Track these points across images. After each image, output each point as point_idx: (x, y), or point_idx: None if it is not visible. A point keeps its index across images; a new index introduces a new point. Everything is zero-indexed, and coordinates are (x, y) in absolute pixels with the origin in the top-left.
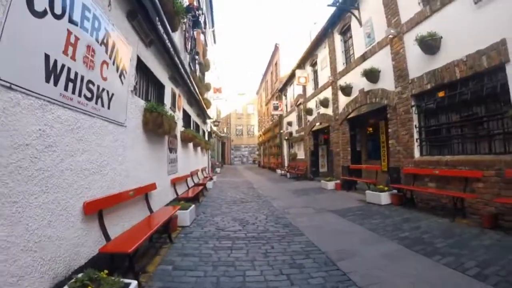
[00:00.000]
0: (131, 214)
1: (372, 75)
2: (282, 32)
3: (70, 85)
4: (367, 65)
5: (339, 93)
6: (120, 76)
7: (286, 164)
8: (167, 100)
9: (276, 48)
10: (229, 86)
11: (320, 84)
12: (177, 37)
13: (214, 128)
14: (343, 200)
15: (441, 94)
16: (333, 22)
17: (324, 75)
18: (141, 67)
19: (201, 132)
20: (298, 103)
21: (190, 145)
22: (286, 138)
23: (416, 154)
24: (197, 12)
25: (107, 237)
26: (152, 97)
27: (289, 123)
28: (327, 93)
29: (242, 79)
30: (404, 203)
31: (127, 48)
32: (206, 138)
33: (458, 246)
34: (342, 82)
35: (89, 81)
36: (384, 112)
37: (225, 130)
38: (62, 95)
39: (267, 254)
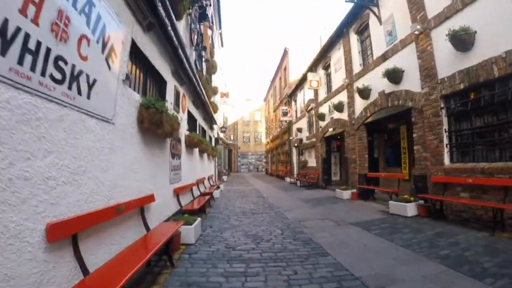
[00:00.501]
0: (122, 234)
1: (394, 75)
2: (291, 36)
3: (28, 58)
4: (388, 65)
5: (356, 96)
6: (107, 59)
7: (295, 172)
8: (170, 98)
9: (285, 52)
10: (236, 92)
11: (334, 87)
12: (182, 29)
13: (221, 135)
14: (363, 211)
15: (473, 95)
16: (349, 21)
17: (338, 78)
18: (138, 55)
19: (207, 137)
20: (309, 108)
21: (196, 151)
22: (296, 145)
23: (446, 161)
24: (204, 2)
25: (84, 269)
26: (151, 93)
27: (299, 130)
28: (342, 97)
29: (250, 86)
30: (432, 215)
31: (118, 26)
32: (213, 144)
33: (507, 266)
34: (359, 84)
35: (59, 58)
36: (406, 116)
37: (232, 137)
38: (14, 70)
39: (290, 282)
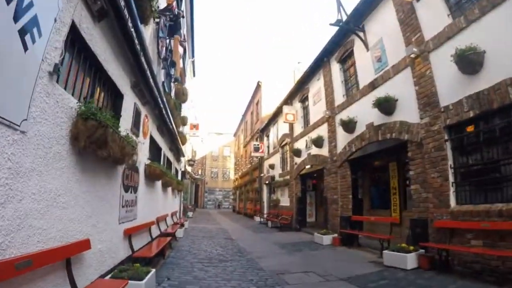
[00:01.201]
0: None
1: (387, 104)
2: (264, 71)
3: None
4: (378, 93)
5: (338, 130)
6: (23, 33)
7: (265, 211)
8: (127, 117)
9: (258, 86)
10: (206, 126)
11: (312, 120)
12: (148, 38)
13: (189, 169)
14: (351, 261)
15: (482, 124)
16: (330, 49)
17: (318, 111)
18: (82, 49)
19: (173, 170)
20: (283, 143)
21: (158, 184)
22: (267, 182)
23: (452, 202)
24: (176, 10)
25: None
26: (102, 106)
27: (271, 166)
28: (322, 131)
29: (220, 119)
30: (436, 267)
31: None
32: (179, 178)
33: None
34: (342, 116)
35: None
36: (397, 151)
37: (199, 172)
38: None
39: None
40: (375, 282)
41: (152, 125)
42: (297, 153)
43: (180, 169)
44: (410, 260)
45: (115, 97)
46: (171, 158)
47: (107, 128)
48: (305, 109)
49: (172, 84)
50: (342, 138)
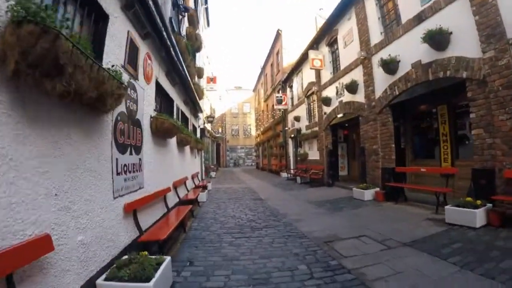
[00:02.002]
0: None
1: (440, 38)
2: (284, 18)
3: None
4: (426, 27)
5: (377, 72)
6: None
7: (292, 166)
8: (115, 48)
9: (278, 35)
10: (224, 83)
11: (344, 64)
12: None
13: (208, 126)
14: (404, 220)
15: None
16: None
17: (349, 53)
18: None
19: (190, 127)
20: (309, 93)
21: (172, 142)
22: (292, 136)
23: None
24: None
25: None
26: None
27: (296, 118)
28: (356, 75)
29: (238, 75)
30: (507, 223)
31: None
32: (198, 135)
33: None
34: (381, 56)
35: None
36: (449, 93)
37: (220, 130)
38: None
39: None
40: (447, 246)
41: (158, 69)
42: (327, 101)
43: (199, 126)
44: (480, 217)
45: (97, 19)
46: (187, 113)
47: (59, 38)
48: (334, 53)
49: (182, 26)
50: (382, 81)
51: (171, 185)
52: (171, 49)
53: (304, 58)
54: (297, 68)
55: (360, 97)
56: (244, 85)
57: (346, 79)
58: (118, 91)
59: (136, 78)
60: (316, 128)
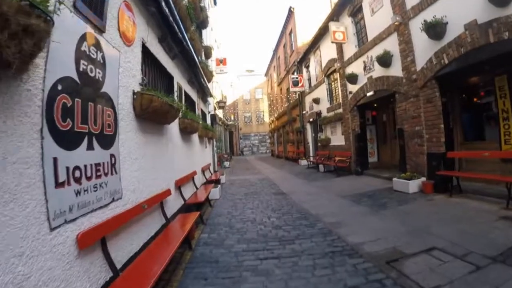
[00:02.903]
0: None
1: None
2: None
3: None
4: None
5: (417, 38)
6: None
7: (311, 153)
8: None
9: (291, 13)
10: (234, 68)
11: (372, 35)
12: None
13: (220, 113)
14: (473, 221)
15: None
16: None
17: (379, 21)
18: None
19: (198, 111)
20: (330, 71)
21: (172, 130)
22: (311, 120)
23: None
24: None
25: None
26: None
27: (315, 101)
28: (389, 45)
29: (249, 60)
30: None
31: None
32: (209, 122)
33: None
34: (423, 18)
35: None
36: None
37: (232, 118)
38: None
39: None
40: None
41: (146, 30)
42: (352, 79)
43: (209, 113)
44: None
45: None
46: (193, 95)
47: None
48: (358, 24)
49: None
50: (424, 49)
51: (173, 185)
52: (165, 8)
53: (322, 33)
54: (314, 45)
55: (395, 70)
56: (256, 69)
57: (376, 51)
58: (24, 19)
59: (101, 30)
60: (340, 110)
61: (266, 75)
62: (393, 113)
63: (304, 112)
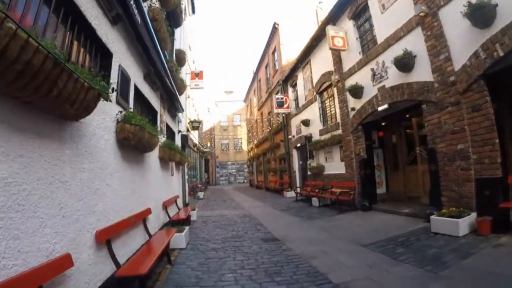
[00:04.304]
0: None
1: None
2: (279, 15)
3: None
4: None
5: (452, 29)
6: None
7: (298, 183)
8: None
9: (275, 29)
10: (211, 92)
11: (383, 36)
12: None
13: (194, 137)
14: None
15: None
16: None
17: (393, 17)
18: None
19: (159, 124)
20: (323, 87)
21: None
22: (299, 145)
23: None
24: None
25: None
26: None
27: (305, 123)
28: (409, 43)
29: (227, 83)
30: None
31: None
32: (178, 143)
33: None
34: (460, 3)
35: None
36: None
37: (208, 145)
38: None
39: None
40: None
41: None
42: (356, 92)
43: (179, 132)
44: None
45: None
46: (153, 100)
47: None
48: (362, 27)
49: None
50: (464, 42)
51: (93, 241)
52: None
53: (313, 44)
54: (303, 60)
55: (420, 74)
56: (235, 93)
57: (390, 54)
58: None
59: None
60: (339, 131)
61: (245, 100)
62: (406, 132)
63: (290, 136)
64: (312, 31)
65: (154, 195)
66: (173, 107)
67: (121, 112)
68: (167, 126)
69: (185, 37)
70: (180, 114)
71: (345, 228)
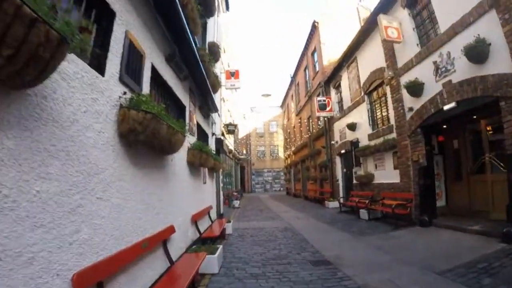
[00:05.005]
0: None
1: None
2: (316, 14)
3: None
4: None
5: None
6: None
7: (341, 193)
8: None
9: (315, 28)
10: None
11: (448, 23)
12: None
13: (230, 144)
14: None
15: None
16: None
17: (457, 1)
18: None
19: (188, 120)
20: (372, 86)
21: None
22: (343, 151)
23: None
24: None
25: None
26: None
27: (351, 126)
28: (481, 30)
29: (263, 87)
30: None
31: None
32: (212, 147)
33: None
34: None
35: None
36: None
37: (244, 152)
38: None
39: None
40: None
41: None
42: (416, 89)
43: (213, 134)
44: None
45: None
46: (181, 93)
47: None
48: (419, 15)
49: None
50: None
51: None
52: None
53: (360, 40)
54: (348, 58)
55: (496, 65)
56: (272, 97)
57: (458, 43)
58: None
59: None
60: (392, 135)
61: (282, 106)
62: (472, 136)
63: (332, 142)
64: (354, 28)
65: (180, 208)
66: (206, 106)
67: (125, 93)
68: (199, 126)
69: (219, 34)
70: (214, 116)
71: (408, 248)
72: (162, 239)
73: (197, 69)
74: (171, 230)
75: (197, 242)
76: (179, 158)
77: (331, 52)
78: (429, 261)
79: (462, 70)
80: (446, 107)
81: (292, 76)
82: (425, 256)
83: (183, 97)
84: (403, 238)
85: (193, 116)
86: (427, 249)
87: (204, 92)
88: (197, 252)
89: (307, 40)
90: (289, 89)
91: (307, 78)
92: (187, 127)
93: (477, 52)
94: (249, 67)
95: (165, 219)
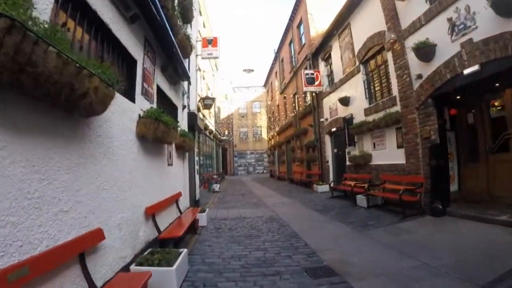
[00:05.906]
0: None
1: None
2: None
3: None
4: None
5: None
6: None
7: (332, 176)
8: None
9: None
10: (229, 78)
11: None
12: None
13: (211, 125)
14: None
15: None
16: None
17: None
18: None
19: (139, 83)
20: (369, 54)
21: None
22: (334, 129)
23: None
24: None
25: None
26: None
27: (343, 101)
28: None
29: (245, 62)
30: None
31: None
32: (184, 122)
33: None
34: None
35: None
36: None
37: (226, 133)
38: None
39: None
40: None
41: None
42: (426, 51)
43: (184, 107)
44: None
45: None
46: (128, 39)
47: None
48: None
49: None
50: None
51: None
52: None
53: (354, 3)
54: (340, 24)
55: None
56: (255, 73)
57: None
58: None
59: None
60: (395, 108)
61: (265, 85)
62: (490, 109)
63: (321, 120)
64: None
65: (123, 200)
66: (172, 68)
67: None
68: (162, 93)
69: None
70: (186, 87)
71: (427, 247)
72: (76, 253)
73: (152, 11)
74: (96, 236)
75: (153, 245)
76: (122, 129)
77: (319, 23)
78: (464, 268)
79: (486, 25)
80: (466, 71)
81: (276, 51)
82: (456, 260)
83: (133, 46)
84: (417, 232)
85: (150, 77)
86: (454, 248)
87: (167, 49)
88: (142, 264)
89: (293, 12)
90: (272, 66)
91: (292, 53)
92: (137, 87)
93: (506, 1)
94: (231, 40)
95: (84, 221)
